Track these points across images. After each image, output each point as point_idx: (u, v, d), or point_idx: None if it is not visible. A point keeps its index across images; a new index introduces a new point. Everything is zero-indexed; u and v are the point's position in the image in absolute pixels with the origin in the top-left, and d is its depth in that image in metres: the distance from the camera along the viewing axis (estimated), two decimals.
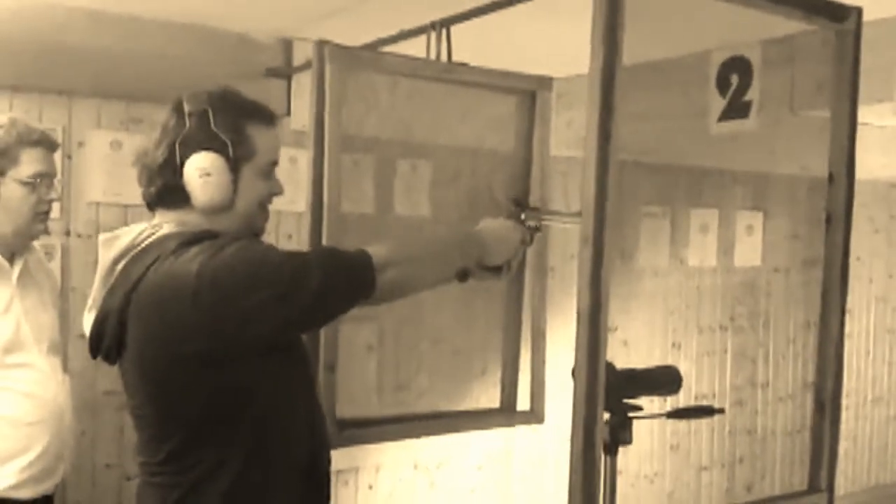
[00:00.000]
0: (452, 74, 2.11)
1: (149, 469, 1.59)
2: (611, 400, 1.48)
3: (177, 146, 1.53)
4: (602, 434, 1.37)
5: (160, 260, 1.49)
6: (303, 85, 3.16)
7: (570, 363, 1.34)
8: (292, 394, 1.60)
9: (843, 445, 5.21)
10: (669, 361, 3.79)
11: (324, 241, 1.89)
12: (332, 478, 1.72)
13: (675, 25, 2.45)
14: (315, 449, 1.64)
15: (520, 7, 2.09)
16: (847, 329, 1.81)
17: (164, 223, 1.57)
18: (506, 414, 2.31)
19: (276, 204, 1.69)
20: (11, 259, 2.11)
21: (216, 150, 1.53)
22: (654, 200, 4.39)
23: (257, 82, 3.14)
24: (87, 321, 1.60)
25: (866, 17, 1.75)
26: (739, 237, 4.73)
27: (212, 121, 1.54)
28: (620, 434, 1.60)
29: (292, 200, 1.89)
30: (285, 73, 3.24)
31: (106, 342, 1.55)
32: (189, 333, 1.45)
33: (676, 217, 4.48)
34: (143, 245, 1.54)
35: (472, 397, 2.29)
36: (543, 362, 2.26)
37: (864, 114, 2.31)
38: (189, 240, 1.51)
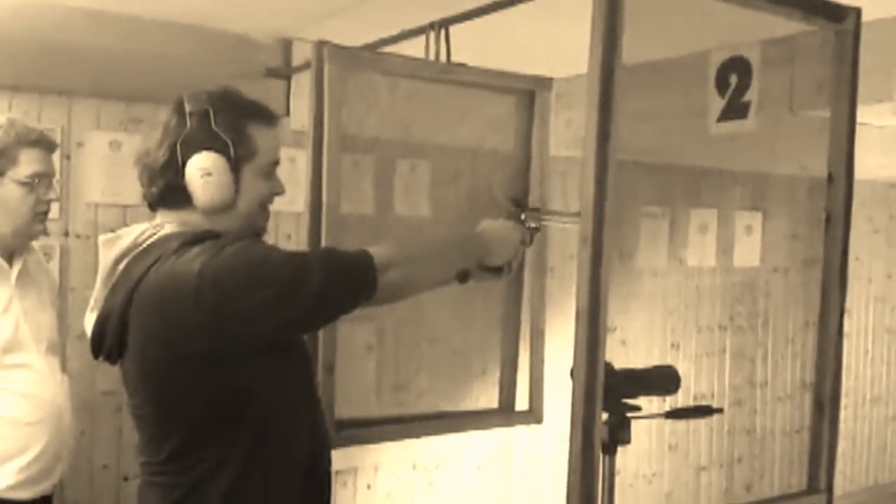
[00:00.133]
0: (452, 75, 2.11)
1: (150, 469, 1.59)
2: (609, 400, 1.49)
3: (178, 146, 1.53)
4: (600, 434, 1.37)
5: (162, 259, 1.49)
6: (302, 85, 3.16)
7: (569, 363, 1.34)
8: (293, 393, 1.60)
9: (842, 445, 5.21)
10: (668, 361, 3.79)
11: (323, 242, 1.89)
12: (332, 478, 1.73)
13: (674, 25, 2.45)
14: (315, 449, 1.64)
15: (519, 7, 2.09)
16: (846, 329, 1.81)
17: (166, 223, 1.57)
18: (504, 414, 2.31)
19: (275, 204, 1.69)
20: (10, 259, 2.11)
21: (217, 150, 1.53)
22: (654, 200, 4.39)
23: (257, 82, 3.14)
24: (89, 321, 1.60)
25: (865, 17, 1.75)
26: (738, 237, 4.73)
27: (213, 121, 1.54)
28: (619, 434, 1.60)
29: (291, 201, 1.89)
30: (285, 73, 3.24)
31: (107, 342, 1.55)
32: (190, 333, 1.45)
33: (675, 217, 4.48)
34: (144, 245, 1.54)
35: (471, 397, 2.29)
36: (542, 362, 2.26)
37: (864, 114, 2.31)
38: (191, 239, 1.51)
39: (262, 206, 1.64)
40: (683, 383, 1.73)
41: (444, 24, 2.16)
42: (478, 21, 2.16)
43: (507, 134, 2.23)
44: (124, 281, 1.52)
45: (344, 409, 1.98)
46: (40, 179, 2.09)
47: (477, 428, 2.45)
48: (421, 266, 1.65)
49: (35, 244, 2.24)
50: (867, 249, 5.47)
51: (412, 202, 2.13)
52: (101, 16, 2.88)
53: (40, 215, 2.12)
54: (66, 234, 2.96)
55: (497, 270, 1.80)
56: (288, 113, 3.26)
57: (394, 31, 2.33)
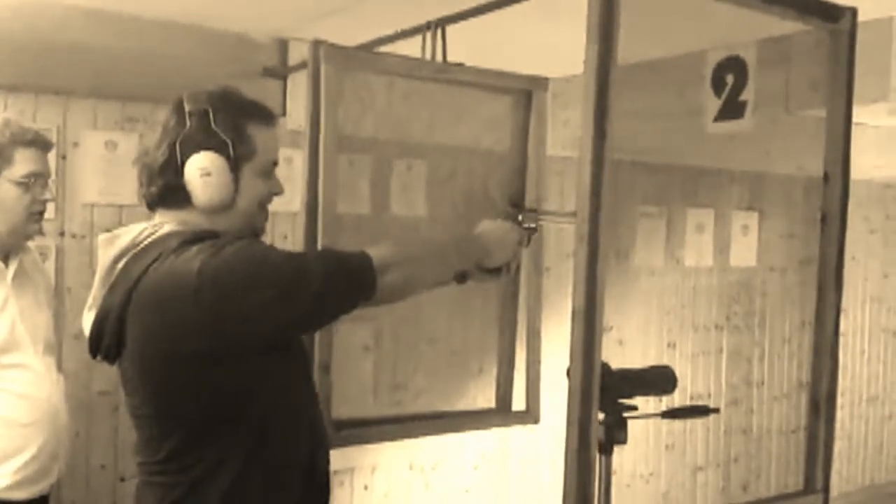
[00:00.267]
0: (448, 74, 2.11)
1: (148, 468, 1.59)
2: (606, 400, 1.49)
3: (177, 146, 1.53)
4: (597, 434, 1.37)
5: (161, 258, 1.48)
6: (299, 85, 3.16)
7: (566, 363, 1.34)
8: (292, 393, 1.60)
9: (839, 445, 5.22)
10: (665, 361, 3.80)
11: (319, 242, 1.89)
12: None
13: (670, 25, 2.45)
14: (315, 448, 1.65)
15: (515, 7, 2.09)
16: (842, 328, 1.81)
17: (165, 223, 1.57)
18: (501, 414, 2.31)
19: (272, 204, 1.68)
20: (6, 259, 2.11)
21: (217, 150, 1.53)
22: (650, 200, 4.39)
23: (253, 82, 3.13)
24: (87, 320, 1.59)
25: (861, 17, 1.75)
26: (735, 237, 4.74)
27: (212, 120, 1.54)
28: (615, 434, 1.60)
29: (288, 200, 1.89)
30: (281, 72, 3.24)
31: (106, 341, 1.54)
32: (190, 332, 1.44)
33: (672, 216, 4.49)
34: (143, 244, 1.54)
35: (469, 397, 2.29)
36: (539, 362, 2.26)
37: (859, 114, 2.31)
38: (190, 239, 1.51)
39: (262, 206, 1.64)
40: (680, 383, 1.73)
41: (441, 23, 2.16)
42: (474, 21, 2.16)
43: (504, 134, 2.23)
44: (123, 280, 1.52)
45: (342, 409, 1.98)
46: (36, 179, 2.08)
47: (474, 428, 2.45)
48: (420, 267, 1.66)
49: (31, 244, 2.23)
50: (863, 249, 5.48)
51: (409, 202, 2.13)
52: (99, 15, 2.88)
53: (36, 215, 2.11)
54: (62, 234, 2.96)
55: (495, 272, 1.81)
56: (284, 113, 3.26)
57: (390, 31, 2.33)
